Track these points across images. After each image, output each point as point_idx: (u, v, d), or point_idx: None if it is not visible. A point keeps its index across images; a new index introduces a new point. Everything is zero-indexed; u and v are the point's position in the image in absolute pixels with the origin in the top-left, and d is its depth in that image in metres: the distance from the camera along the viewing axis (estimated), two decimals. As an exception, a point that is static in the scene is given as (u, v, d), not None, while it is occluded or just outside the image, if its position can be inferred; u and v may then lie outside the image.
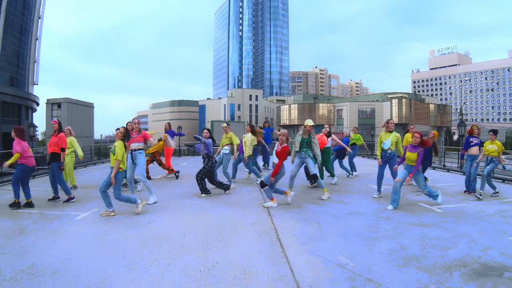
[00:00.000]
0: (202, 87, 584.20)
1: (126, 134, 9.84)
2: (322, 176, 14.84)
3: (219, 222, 8.84)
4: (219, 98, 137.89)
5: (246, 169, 15.69)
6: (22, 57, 67.76)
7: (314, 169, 11.77)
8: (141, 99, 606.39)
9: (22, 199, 10.61)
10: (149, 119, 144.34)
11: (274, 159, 10.73)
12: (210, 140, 12.38)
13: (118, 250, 6.77)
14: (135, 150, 11.33)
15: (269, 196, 10.62)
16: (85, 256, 6.49)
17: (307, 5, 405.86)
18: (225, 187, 12.67)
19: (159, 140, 14.33)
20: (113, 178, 9.27)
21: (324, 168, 14.87)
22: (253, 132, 15.19)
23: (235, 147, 14.20)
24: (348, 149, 15.78)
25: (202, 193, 12.10)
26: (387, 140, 12.13)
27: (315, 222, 8.79)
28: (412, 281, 5.34)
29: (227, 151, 14.02)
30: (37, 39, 74.44)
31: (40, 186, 14.51)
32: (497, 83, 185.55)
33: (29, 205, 10.57)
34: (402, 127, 77.88)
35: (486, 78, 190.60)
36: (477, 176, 12.72)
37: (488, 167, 12.19)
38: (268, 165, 17.93)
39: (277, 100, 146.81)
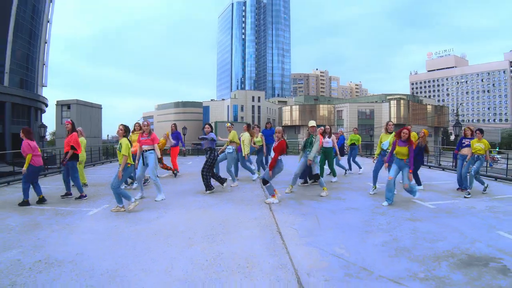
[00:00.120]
0: (206, 88, 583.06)
1: (126, 130, 10.12)
2: (322, 174, 15.17)
3: (223, 217, 9.10)
4: (223, 99, 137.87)
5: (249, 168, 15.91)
6: (31, 60, 68.05)
7: (317, 169, 12.06)
8: (146, 101, 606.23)
9: (33, 197, 10.94)
10: (155, 120, 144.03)
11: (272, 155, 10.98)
12: (213, 134, 12.63)
13: (129, 243, 7.05)
14: (146, 151, 11.58)
15: (270, 193, 10.86)
16: (98, 248, 6.76)
17: (308, 9, 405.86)
18: (222, 181, 12.92)
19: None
20: (121, 172, 9.52)
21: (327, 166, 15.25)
22: (249, 131, 15.40)
23: (235, 145, 14.44)
24: (338, 155, 15.91)
25: (206, 190, 12.32)
26: (386, 141, 12.42)
27: (314, 217, 9.04)
28: (402, 270, 5.60)
29: (231, 150, 14.24)
30: (46, 43, 74.72)
31: (51, 184, 14.83)
32: (493, 84, 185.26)
33: (41, 200, 10.90)
34: (400, 128, 78.04)
35: (482, 80, 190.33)
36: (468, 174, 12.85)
37: (474, 166, 12.33)
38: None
39: (279, 101, 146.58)
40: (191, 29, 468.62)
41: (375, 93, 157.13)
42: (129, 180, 13.63)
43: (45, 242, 7.06)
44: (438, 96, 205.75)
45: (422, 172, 18.58)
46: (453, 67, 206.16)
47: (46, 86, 75.23)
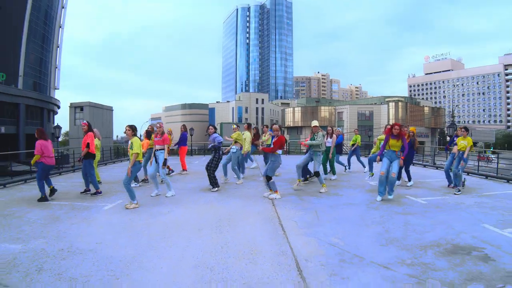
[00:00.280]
0: (212, 91, 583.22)
1: (134, 129, 10.49)
2: (325, 171, 15.58)
3: (229, 211, 9.47)
4: (228, 101, 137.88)
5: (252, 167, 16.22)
6: (44, 63, 68.32)
7: (318, 167, 12.34)
8: (154, 103, 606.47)
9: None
10: (163, 122, 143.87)
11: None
12: (217, 135, 12.95)
13: (144, 233, 7.44)
14: (157, 150, 11.97)
15: (274, 189, 11.17)
16: (115, 238, 7.15)
17: (310, 14, 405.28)
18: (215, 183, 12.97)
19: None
20: (130, 169, 9.87)
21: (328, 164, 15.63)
22: (249, 130, 15.77)
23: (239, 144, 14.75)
24: (331, 153, 16.19)
25: (213, 188, 12.58)
26: None
27: (313, 211, 9.38)
28: (391, 257, 5.95)
29: (235, 150, 14.55)
30: (58, 47, 75.01)
31: (66, 182, 15.20)
32: (488, 87, 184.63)
33: (52, 191, 11.36)
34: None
35: (477, 83, 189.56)
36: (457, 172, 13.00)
37: (462, 164, 12.46)
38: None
39: (281, 103, 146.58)
40: (197, 34, 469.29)
41: (374, 95, 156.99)
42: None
43: (66, 233, 7.43)
44: (435, 98, 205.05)
45: (417, 170, 18.91)
46: (449, 70, 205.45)
47: (58, 89, 75.48)
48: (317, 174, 12.35)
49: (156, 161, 11.95)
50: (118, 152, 34.55)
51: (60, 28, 75.46)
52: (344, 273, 5.34)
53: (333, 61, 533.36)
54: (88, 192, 12.17)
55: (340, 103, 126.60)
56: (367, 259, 5.89)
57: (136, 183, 13.74)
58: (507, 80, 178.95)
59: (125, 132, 10.50)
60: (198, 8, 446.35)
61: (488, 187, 13.59)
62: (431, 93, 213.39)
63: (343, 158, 18.41)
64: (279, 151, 11.37)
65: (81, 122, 13.14)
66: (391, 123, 57.89)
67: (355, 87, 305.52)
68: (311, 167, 13.53)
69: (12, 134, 52.75)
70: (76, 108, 36.06)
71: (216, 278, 5.19)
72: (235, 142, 14.68)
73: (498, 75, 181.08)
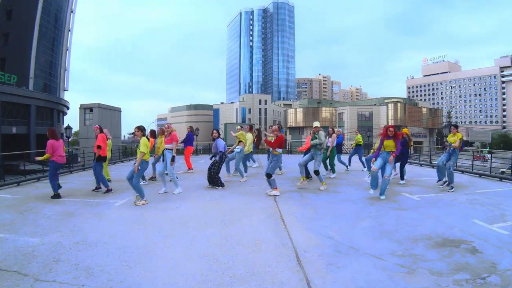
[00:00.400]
0: (216, 92, 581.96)
1: (142, 129, 10.66)
2: (326, 168, 15.91)
3: (233, 206, 9.76)
4: (232, 102, 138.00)
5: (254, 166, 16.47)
6: (54, 66, 68.59)
7: (318, 166, 12.59)
8: (160, 104, 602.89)
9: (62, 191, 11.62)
10: (168, 122, 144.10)
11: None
12: (221, 140, 13.26)
13: (153, 227, 7.74)
14: (166, 149, 12.27)
15: (273, 186, 11.43)
16: (127, 231, 7.45)
17: (312, 18, 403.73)
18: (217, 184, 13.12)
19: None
20: (137, 166, 10.07)
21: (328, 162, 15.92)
22: (251, 131, 16.14)
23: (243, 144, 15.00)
24: (328, 151, 16.40)
25: (218, 186, 12.82)
26: None
27: (313, 207, 9.65)
28: (383, 248, 6.23)
29: (239, 150, 14.79)
30: (67, 50, 75.34)
31: (78, 180, 15.49)
32: (484, 88, 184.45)
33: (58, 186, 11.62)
34: (397, 129, 78.05)
35: (474, 84, 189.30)
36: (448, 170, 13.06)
37: (450, 162, 12.60)
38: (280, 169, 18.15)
39: (284, 104, 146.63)
40: (202, 38, 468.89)
41: (374, 97, 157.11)
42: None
43: (81, 228, 7.70)
44: (433, 99, 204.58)
45: (414, 169, 19.13)
46: (447, 72, 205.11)
47: (67, 90, 75.80)
48: (316, 173, 12.58)
49: (163, 160, 12.25)
50: (126, 151, 34.78)
51: (69, 32, 75.77)
52: (339, 262, 5.62)
53: (334, 63, 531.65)
54: (99, 190, 12.46)
55: (341, 104, 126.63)
56: (361, 250, 6.16)
57: (144, 181, 14.00)
58: (502, 82, 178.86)
59: (134, 134, 10.74)
60: (202, 12, 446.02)
61: (480, 185, 13.77)
62: (429, 94, 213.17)
63: (344, 158, 18.59)
64: (279, 150, 11.65)
65: (93, 126, 13.47)
66: (390, 124, 58.11)
67: (356, 89, 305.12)
68: (310, 167, 13.69)
69: (23, 134, 52.91)
70: (86, 109, 36.24)
71: (222, 266, 5.49)
72: (239, 142, 14.92)
73: (494, 77, 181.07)
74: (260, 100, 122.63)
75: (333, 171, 16.00)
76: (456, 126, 13.17)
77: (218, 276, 5.12)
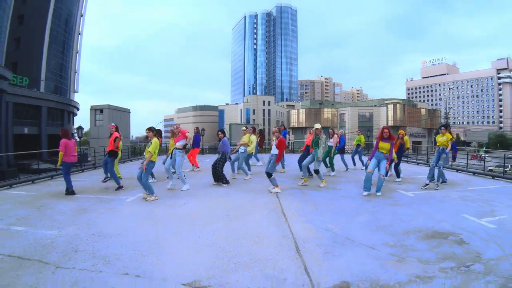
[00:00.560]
0: (221, 93, 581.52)
1: (154, 131, 10.98)
2: (326, 165, 16.22)
3: (238, 202, 10.07)
4: (236, 103, 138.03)
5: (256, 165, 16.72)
6: (64, 68, 68.84)
7: (318, 166, 12.82)
8: (167, 105, 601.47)
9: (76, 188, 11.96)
10: (175, 122, 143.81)
11: (274, 151, 11.93)
12: (227, 142, 13.56)
13: (164, 221, 8.07)
14: (176, 148, 12.57)
15: (274, 184, 11.69)
16: (139, 225, 7.78)
17: (314, 21, 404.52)
18: (223, 180, 13.37)
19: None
20: (145, 165, 10.37)
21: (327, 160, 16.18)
22: (255, 133, 16.32)
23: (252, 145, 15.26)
24: (332, 153, 16.65)
25: (223, 183, 13.11)
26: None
27: (313, 203, 9.94)
28: (378, 240, 6.53)
29: (243, 150, 15.16)
30: (77, 53, 75.53)
31: (89, 178, 15.81)
32: (481, 90, 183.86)
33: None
34: (396, 130, 78.10)
35: (471, 86, 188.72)
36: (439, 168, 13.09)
37: (441, 161, 12.69)
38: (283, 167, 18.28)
39: (287, 105, 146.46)
40: (207, 40, 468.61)
41: (374, 98, 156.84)
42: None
43: (95, 221, 8.04)
44: (432, 100, 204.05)
45: (410, 168, 19.33)
46: (445, 74, 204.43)
47: (77, 92, 76.04)
48: (317, 172, 12.83)
49: (171, 157, 12.57)
50: (135, 151, 35.05)
51: (79, 35, 75.98)
52: (335, 251, 5.94)
53: (336, 66, 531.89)
54: (107, 179, 12.94)
55: (342, 105, 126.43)
56: (356, 242, 6.47)
57: (153, 178, 14.33)
58: (499, 84, 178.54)
59: (148, 135, 10.98)
60: (205, 13, 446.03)
61: (474, 183, 13.97)
62: (427, 95, 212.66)
63: (347, 157, 18.79)
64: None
65: (110, 125, 13.82)
66: (389, 124, 58.21)
67: (357, 90, 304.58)
68: (311, 165, 13.94)
69: (35, 134, 53.29)
70: (96, 110, 36.55)
71: (228, 255, 5.82)
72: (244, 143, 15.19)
73: (491, 78, 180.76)
74: (264, 101, 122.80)
75: (333, 169, 16.23)
76: (446, 126, 13.26)
77: (224, 263, 5.45)
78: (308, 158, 13.31)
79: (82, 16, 77.04)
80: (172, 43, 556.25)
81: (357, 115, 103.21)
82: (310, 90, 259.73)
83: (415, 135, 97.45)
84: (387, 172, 12.61)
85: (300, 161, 15.07)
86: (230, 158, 13.94)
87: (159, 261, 5.59)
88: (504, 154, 21.40)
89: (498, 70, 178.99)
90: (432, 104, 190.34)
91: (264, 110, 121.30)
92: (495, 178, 15.31)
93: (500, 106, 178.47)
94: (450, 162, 17.58)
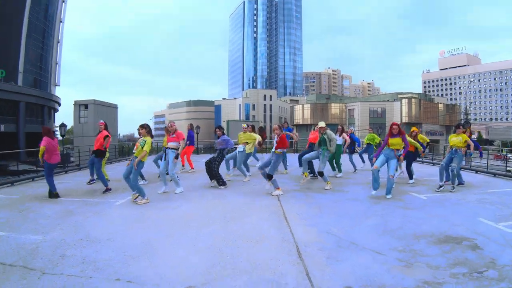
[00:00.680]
0: (218, 87, 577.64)
1: (148, 128, 11.19)
2: (333, 167, 16.44)
3: (236, 205, 10.32)
4: (234, 98, 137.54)
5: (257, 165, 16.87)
6: (44, 59, 68.80)
7: (323, 168, 13.00)
8: (157, 100, 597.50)
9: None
10: (167, 119, 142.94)
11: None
12: (228, 138, 13.76)
13: (156, 224, 8.33)
14: (169, 148, 12.77)
15: (275, 186, 11.89)
16: (130, 229, 8.03)
17: (320, 7, 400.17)
18: (216, 179, 13.60)
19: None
20: (136, 164, 10.52)
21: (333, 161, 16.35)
22: (254, 131, 16.42)
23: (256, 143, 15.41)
24: (346, 145, 16.88)
25: (220, 185, 13.30)
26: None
27: (317, 206, 10.18)
28: (385, 244, 6.74)
29: (242, 149, 15.22)
30: (58, 42, 75.39)
31: (74, 180, 16.06)
32: (506, 83, 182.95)
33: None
34: (411, 127, 77.99)
35: (495, 79, 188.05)
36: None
37: (454, 164, 12.66)
38: (285, 168, 18.32)
39: (290, 100, 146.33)
40: (202, 28, 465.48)
41: (387, 92, 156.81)
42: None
43: (82, 225, 8.25)
44: (450, 94, 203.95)
45: (424, 168, 19.49)
46: (465, 65, 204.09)
47: (59, 86, 75.90)
48: (321, 174, 13.03)
49: (165, 158, 12.75)
50: (123, 151, 35.09)
51: (61, 23, 75.81)
52: (339, 256, 6.15)
53: (345, 56, 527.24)
54: (92, 181, 13.09)
55: (351, 100, 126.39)
56: (362, 246, 6.68)
57: (143, 180, 14.52)
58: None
59: (140, 133, 11.16)
60: (202, 0, 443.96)
61: (493, 185, 14.08)
62: (446, 89, 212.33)
63: (355, 157, 18.97)
64: (280, 150, 12.01)
65: (99, 122, 13.97)
66: (404, 121, 58.75)
67: (368, 83, 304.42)
68: (316, 165, 14.17)
69: (12, 132, 53.41)
70: (81, 105, 36.48)
71: (225, 259, 6.04)
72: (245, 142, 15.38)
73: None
74: (264, 96, 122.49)
75: (339, 170, 16.42)
76: (463, 126, 13.32)
77: (221, 267, 5.67)
78: (311, 153, 13.57)
79: (64, 1, 76.89)
80: (164, 32, 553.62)
81: (367, 111, 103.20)
82: (316, 83, 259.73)
83: (432, 132, 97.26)
84: (397, 169, 12.82)
85: (301, 156, 15.11)
86: (224, 156, 14.05)
87: (151, 265, 5.80)
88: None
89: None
90: (450, 99, 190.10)
91: (265, 105, 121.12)
92: (517, 179, 15.32)
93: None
94: (469, 162, 17.78)
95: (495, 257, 6.10)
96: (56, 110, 72.10)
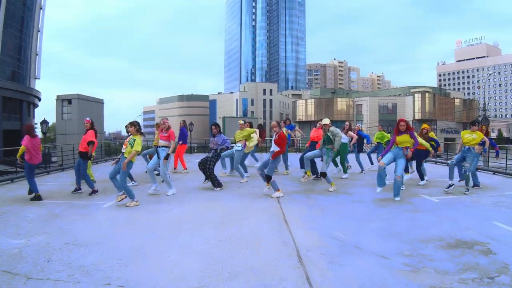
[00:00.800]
0: (213, 81, 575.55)
1: (137, 126, 11.33)
2: (336, 165, 16.75)
3: (233, 207, 10.54)
4: (231, 92, 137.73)
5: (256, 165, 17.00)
6: (23, 50, 68.44)
7: (326, 168, 13.20)
8: (147, 94, 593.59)
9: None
10: (157, 115, 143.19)
11: (274, 148, 12.20)
12: (225, 137, 13.94)
13: (147, 228, 8.53)
14: (160, 146, 12.95)
15: (275, 188, 12.05)
16: (119, 232, 8.25)
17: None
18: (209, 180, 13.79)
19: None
20: (125, 164, 10.71)
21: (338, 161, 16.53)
22: (252, 128, 16.48)
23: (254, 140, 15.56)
24: (353, 141, 17.01)
25: (216, 187, 13.48)
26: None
27: (320, 208, 10.40)
28: (391, 248, 6.93)
29: (240, 148, 15.41)
30: (38, 31, 74.94)
31: (57, 181, 16.34)
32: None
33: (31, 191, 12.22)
34: (425, 124, 77.79)
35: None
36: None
37: (467, 164, 12.75)
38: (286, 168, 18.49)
39: (292, 94, 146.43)
40: (196, 15, 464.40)
41: (398, 86, 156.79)
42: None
43: (68, 229, 8.42)
44: (468, 88, 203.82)
45: (438, 169, 19.66)
46: (484, 56, 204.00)
47: (39, 79, 75.48)
48: (323, 175, 13.20)
49: (158, 157, 12.91)
50: (110, 149, 35.12)
51: (41, 10, 75.43)
52: (342, 261, 6.33)
53: (352, 47, 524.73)
54: (78, 191, 13.15)
55: (359, 94, 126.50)
56: (366, 250, 6.87)
57: (133, 181, 14.70)
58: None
59: (129, 131, 11.39)
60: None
61: (511, 187, 14.26)
62: (463, 82, 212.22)
63: (363, 157, 19.26)
64: (278, 149, 12.07)
65: (84, 119, 14.02)
66: (416, 117, 58.97)
67: (377, 76, 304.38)
68: (319, 165, 14.23)
69: (-14, 130, 53.13)
70: (64, 101, 36.37)
71: (221, 262, 6.23)
72: (242, 139, 15.56)
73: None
74: (264, 90, 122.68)
75: (345, 171, 16.56)
76: (479, 123, 13.35)
77: (217, 271, 5.85)
78: (314, 152, 13.74)
79: (44, -14, 76.71)
80: (154, 20, 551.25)
81: (377, 106, 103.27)
82: (320, 76, 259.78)
83: (447, 130, 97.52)
84: (408, 170, 12.99)
85: (302, 159, 15.11)
86: (220, 156, 14.28)
87: (144, 270, 5.98)
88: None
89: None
90: (468, 93, 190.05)
91: (264, 100, 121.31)
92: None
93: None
94: (487, 163, 17.94)
95: (509, 263, 6.22)
96: (36, 106, 71.58)
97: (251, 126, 16.63)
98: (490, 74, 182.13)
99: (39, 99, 72.30)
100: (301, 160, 15.09)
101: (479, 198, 11.88)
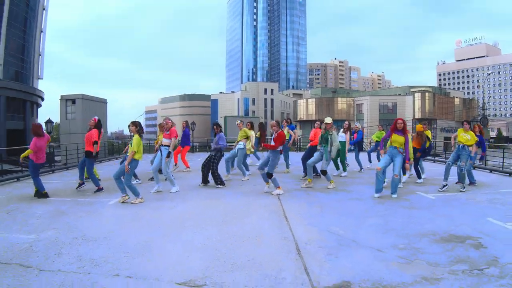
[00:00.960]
0: (214, 80, 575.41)
1: (138, 126, 11.55)
2: (337, 166, 16.89)
3: (235, 205, 10.79)
4: (232, 92, 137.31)
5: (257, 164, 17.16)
6: (26, 50, 68.36)
7: (326, 166, 13.39)
8: (149, 94, 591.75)
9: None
10: (158, 115, 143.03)
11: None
12: (222, 135, 14.17)
13: (152, 224, 8.80)
14: (163, 145, 13.16)
15: (276, 185, 12.31)
16: (126, 228, 8.53)
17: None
18: (220, 182, 13.97)
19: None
20: (127, 165, 10.92)
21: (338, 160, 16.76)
22: (253, 129, 16.52)
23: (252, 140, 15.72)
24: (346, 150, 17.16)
25: (218, 185, 13.75)
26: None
27: (319, 205, 10.67)
28: (386, 242, 7.19)
29: (242, 146, 15.59)
30: (41, 32, 74.85)
31: (61, 180, 16.59)
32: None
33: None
34: (423, 122, 77.77)
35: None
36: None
37: (461, 162, 12.87)
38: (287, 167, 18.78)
39: (293, 94, 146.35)
40: (197, 15, 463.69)
41: (398, 85, 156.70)
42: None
43: (76, 225, 8.69)
44: (468, 88, 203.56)
45: (436, 167, 19.84)
46: (484, 56, 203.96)
47: (42, 79, 75.23)
48: (324, 172, 13.43)
49: (161, 155, 13.12)
50: (113, 149, 35.24)
51: (44, 11, 75.32)
52: (339, 253, 6.61)
53: (352, 47, 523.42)
54: (82, 186, 13.50)
55: (360, 94, 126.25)
56: (363, 244, 7.14)
57: (137, 179, 14.95)
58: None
59: (130, 130, 11.60)
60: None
61: (507, 184, 14.50)
62: (463, 82, 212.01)
63: (362, 156, 19.54)
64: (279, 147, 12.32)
65: (92, 118, 14.09)
66: (417, 116, 59.23)
67: (377, 76, 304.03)
68: (318, 165, 14.42)
69: (-9, 129, 53.24)
70: (67, 100, 36.37)
71: (224, 256, 6.51)
72: (244, 138, 15.72)
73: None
74: (265, 89, 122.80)
75: (344, 169, 16.83)
76: (469, 122, 13.53)
77: (220, 264, 6.13)
78: (315, 157, 13.83)
79: (47, -13, 76.68)
80: (156, 20, 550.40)
81: (377, 106, 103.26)
82: (321, 76, 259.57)
83: (447, 129, 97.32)
84: (405, 171, 13.20)
85: (304, 160, 15.43)
86: (222, 155, 14.47)
87: (150, 262, 6.24)
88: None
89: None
90: (468, 93, 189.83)
91: (266, 99, 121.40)
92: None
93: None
94: (479, 162, 18.12)
95: (499, 256, 6.47)
96: (39, 105, 71.55)
97: (252, 126, 16.57)
98: (489, 74, 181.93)
99: (42, 99, 72.27)
100: (304, 162, 15.32)
101: (475, 195, 12.11)
